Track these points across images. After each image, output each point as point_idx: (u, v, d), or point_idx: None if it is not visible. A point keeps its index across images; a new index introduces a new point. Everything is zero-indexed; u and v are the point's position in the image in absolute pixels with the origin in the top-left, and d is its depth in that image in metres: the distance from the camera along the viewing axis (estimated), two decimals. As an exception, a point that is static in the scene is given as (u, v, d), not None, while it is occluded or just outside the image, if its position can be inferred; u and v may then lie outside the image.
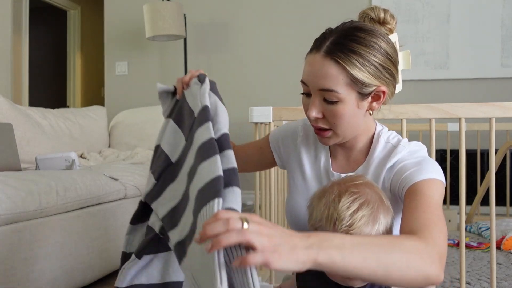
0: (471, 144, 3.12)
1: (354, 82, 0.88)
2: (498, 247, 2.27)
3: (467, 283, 1.76)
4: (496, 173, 3.18)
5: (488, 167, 3.20)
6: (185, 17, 3.63)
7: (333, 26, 0.95)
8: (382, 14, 0.99)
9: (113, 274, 1.87)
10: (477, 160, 3.13)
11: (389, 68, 0.91)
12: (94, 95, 5.62)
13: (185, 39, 3.72)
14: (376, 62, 0.89)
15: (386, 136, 1.00)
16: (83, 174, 1.77)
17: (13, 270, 1.37)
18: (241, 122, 3.82)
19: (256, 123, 1.64)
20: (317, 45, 0.91)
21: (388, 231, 0.84)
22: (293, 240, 0.62)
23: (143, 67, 4.12)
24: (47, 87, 5.76)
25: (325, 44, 0.90)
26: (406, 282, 0.69)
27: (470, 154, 3.24)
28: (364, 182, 0.86)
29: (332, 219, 0.81)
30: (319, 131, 0.95)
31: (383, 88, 0.92)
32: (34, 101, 4.57)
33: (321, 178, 1.03)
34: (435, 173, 0.88)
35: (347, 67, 0.87)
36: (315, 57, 0.90)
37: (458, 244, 2.34)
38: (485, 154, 3.29)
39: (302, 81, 0.94)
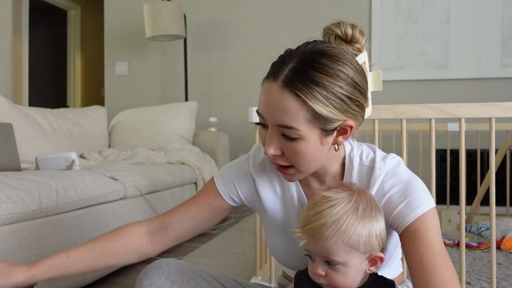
0: (471, 144, 3.12)
1: (317, 118, 0.76)
2: (498, 247, 2.27)
3: (467, 283, 1.76)
4: (496, 173, 3.18)
5: (488, 167, 3.20)
6: (185, 17, 3.63)
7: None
8: (349, 31, 0.85)
9: (113, 274, 1.87)
10: (477, 160, 3.13)
11: (357, 99, 0.79)
12: (94, 95, 5.62)
13: (185, 39, 3.72)
14: (342, 94, 0.77)
15: (358, 158, 0.89)
16: (83, 174, 1.77)
17: (13, 270, 1.37)
18: (241, 122, 3.82)
19: (256, 123, 1.64)
20: (274, 72, 0.80)
21: (368, 243, 0.78)
22: None
23: (143, 67, 4.12)
24: (47, 87, 5.76)
25: (284, 72, 0.78)
26: None
27: (470, 154, 3.24)
28: (348, 190, 0.81)
29: (299, 220, 0.81)
30: (280, 168, 0.84)
31: (350, 122, 0.80)
32: (34, 101, 4.57)
33: (298, 211, 0.92)
34: (424, 201, 0.82)
35: (308, 102, 0.75)
36: (271, 86, 0.78)
37: (458, 244, 2.34)
38: (485, 154, 3.30)
39: (257, 112, 0.82)
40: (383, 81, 0.94)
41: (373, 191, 0.85)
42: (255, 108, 1.62)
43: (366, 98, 0.83)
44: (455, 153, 3.34)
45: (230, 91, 3.92)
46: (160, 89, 4.09)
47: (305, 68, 0.77)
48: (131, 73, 4.16)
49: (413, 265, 0.81)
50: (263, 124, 0.83)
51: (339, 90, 0.77)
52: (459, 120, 1.42)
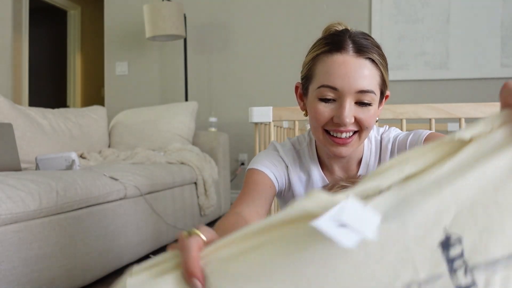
0: (471, 144, 3.12)
1: (383, 83, 0.88)
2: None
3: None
4: (496, 173, 3.17)
5: (488, 167, 3.19)
6: (185, 17, 3.63)
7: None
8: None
9: (113, 274, 1.87)
10: (477, 160, 3.12)
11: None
12: (94, 95, 5.62)
13: (185, 39, 3.72)
14: (386, 64, 0.90)
15: (371, 136, 1.01)
16: (83, 174, 1.77)
17: (13, 270, 1.37)
18: (241, 122, 3.82)
19: (256, 123, 1.64)
20: (339, 46, 0.85)
21: None
22: None
23: (143, 67, 4.12)
24: (47, 87, 5.76)
25: (349, 44, 0.84)
26: None
27: (470, 154, 3.24)
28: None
29: None
30: (342, 140, 0.88)
31: (388, 92, 0.92)
32: (34, 101, 4.57)
33: None
34: (427, 131, 0.93)
35: (381, 67, 0.86)
36: (344, 58, 0.84)
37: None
38: (485, 154, 3.29)
39: (328, 86, 0.85)
40: None
41: (390, 146, 0.96)
42: (255, 108, 1.62)
43: None
44: (455, 153, 3.34)
45: (230, 91, 3.91)
46: (160, 89, 4.09)
47: (366, 41, 0.86)
48: (131, 73, 4.16)
49: None
50: (325, 100, 0.86)
51: (385, 61, 0.89)
52: (459, 120, 1.42)
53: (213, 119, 3.49)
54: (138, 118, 3.17)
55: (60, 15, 5.51)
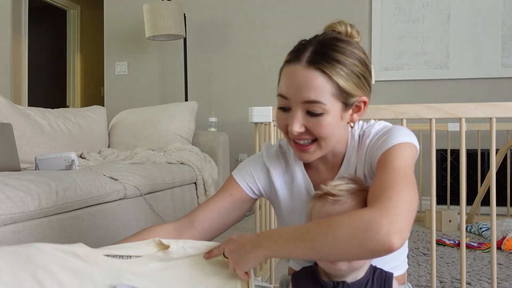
0: (472, 144, 3.12)
1: (340, 92, 0.86)
2: (498, 248, 2.26)
3: (468, 283, 1.76)
4: (497, 173, 3.18)
5: (488, 167, 3.20)
6: (185, 17, 3.62)
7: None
8: (349, 29, 0.96)
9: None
10: (478, 160, 3.12)
11: (367, 78, 0.90)
12: (94, 95, 5.62)
13: (185, 39, 3.72)
14: (358, 71, 0.87)
15: (355, 133, 0.99)
16: (83, 174, 1.77)
17: (13, 271, 1.36)
18: (241, 122, 3.82)
19: (256, 123, 1.64)
20: (296, 56, 0.88)
21: None
22: (245, 246, 0.84)
23: (143, 67, 4.12)
24: (47, 87, 5.75)
25: (306, 54, 0.86)
26: (352, 256, 0.74)
27: (471, 154, 3.24)
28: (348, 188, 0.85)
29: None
30: (301, 146, 0.91)
31: (364, 98, 0.90)
32: (34, 101, 4.56)
33: (305, 198, 0.99)
34: (403, 137, 0.88)
35: (333, 77, 0.85)
36: (295, 68, 0.86)
37: (458, 244, 2.33)
38: (486, 154, 3.29)
39: (280, 95, 0.89)
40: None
41: (365, 146, 0.94)
42: (255, 108, 1.62)
43: (371, 78, 0.93)
44: (455, 153, 3.34)
45: (230, 91, 3.91)
46: (160, 89, 4.09)
47: (326, 49, 0.86)
48: (131, 73, 4.16)
49: (371, 185, 0.83)
50: (283, 108, 0.90)
51: (356, 68, 0.87)
52: (459, 120, 1.41)
53: (213, 119, 3.48)
54: (138, 118, 3.17)
55: (59, 14, 5.50)
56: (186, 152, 2.80)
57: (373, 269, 0.86)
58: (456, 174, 3.33)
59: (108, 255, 0.87)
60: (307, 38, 0.91)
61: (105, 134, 3.07)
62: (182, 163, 2.67)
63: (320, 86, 0.85)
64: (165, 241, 0.91)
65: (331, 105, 0.86)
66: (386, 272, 0.85)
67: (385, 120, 1.24)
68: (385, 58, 3.56)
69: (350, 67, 0.86)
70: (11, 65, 4.17)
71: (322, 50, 0.86)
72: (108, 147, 3.11)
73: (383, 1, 3.56)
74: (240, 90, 3.87)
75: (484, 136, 3.08)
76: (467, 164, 3.08)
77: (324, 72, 0.84)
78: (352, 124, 0.93)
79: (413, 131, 3.40)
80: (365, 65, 0.89)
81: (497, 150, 2.81)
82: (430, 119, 1.43)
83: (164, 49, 4.05)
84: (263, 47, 3.81)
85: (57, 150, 2.47)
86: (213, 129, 3.47)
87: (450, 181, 3.28)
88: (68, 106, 5.52)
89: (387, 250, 0.69)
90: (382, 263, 0.89)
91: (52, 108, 2.79)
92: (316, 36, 0.91)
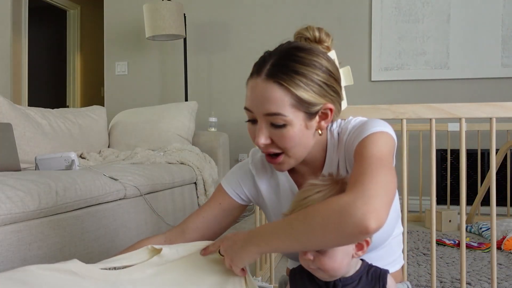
0: (472, 144, 3.12)
1: (300, 103, 0.86)
2: (498, 248, 2.26)
3: (468, 283, 1.76)
4: (497, 173, 3.18)
5: (488, 167, 3.20)
6: (185, 17, 3.62)
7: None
8: (317, 33, 0.98)
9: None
10: (478, 160, 3.12)
11: (332, 85, 0.89)
12: (94, 95, 5.62)
13: (185, 39, 3.72)
14: (319, 80, 0.87)
15: (334, 131, 0.98)
16: (82, 174, 1.77)
17: (13, 271, 1.37)
18: (241, 122, 3.82)
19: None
20: (257, 69, 0.89)
21: None
22: (237, 243, 0.86)
23: (143, 67, 4.12)
24: (47, 87, 5.75)
25: (266, 67, 0.88)
26: (331, 242, 0.75)
27: (471, 154, 3.24)
28: (334, 179, 0.86)
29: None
30: (271, 158, 0.93)
31: (329, 105, 0.90)
32: (34, 101, 4.56)
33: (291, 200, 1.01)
34: (377, 127, 0.88)
35: (291, 89, 0.85)
36: (256, 81, 0.88)
37: (458, 244, 2.33)
38: (486, 154, 3.29)
39: (246, 108, 0.92)
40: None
41: (344, 140, 0.94)
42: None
43: (340, 85, 0.93)
44: (455, 153, 3.34)
45: (230, 91, 3.91)
46: (160, 89, 4.09)
47: (285, 61, 0.87)
48: (131, 73, 4.16)
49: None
50: (252, 120, 0.93)
51: (316, 77, 0.87)
52: (459, 120, 1.41)
53: (213, 119, 3.48)
54: (138, 118, 3.17)
55: (59, 14, 5.50)
56: (186, 152, 2.80)
57: (368, 266, 0.87)
58: (456, 174, 3.33)
59: (103, 269, 0.89)
60: (271, 49, 0.92)
61: (105, 134, 3.07)
62: (182, 163, 2.67)
63: (279, 99, 0.85)
64: (157, 246, 0.93)
65: (293, 116, 0.86)
66: (381, 269, 0.86)
67: (385, 120, 1.24)
68: (385, 58, 3.56)
69: (310, 76, 0.86)
70: (11, 65, 4.17)
71: (281, 62, 0.87)
72: (108, 147, 3.11)
73: (383, 1, 3.56)
74: (240, 90, 3.87)
75: (484, 136, 3.08)
76: (467, 164, 3.08)
77: (281, 85, 0.85)
78: (320, 132, 0.92)
79: (413, 131, 3.39)
80: (328, 73, 0.89)
81: (497, 150, 2.81)
82: (430, 119, 1.43)
83: (164, 49, 4.05)
84: (263, 47, 3.77)
85: (57, 150, 2.47)
86: (213, 129, 3.47)
87: (450, 181, 3.28)
88: (68, 106, 5.52)
89: (364, 232, 0.70)
90: (377, 258, 0.90)
91: (52, 108, 2.79)
92: (279, 47, 0.91)
